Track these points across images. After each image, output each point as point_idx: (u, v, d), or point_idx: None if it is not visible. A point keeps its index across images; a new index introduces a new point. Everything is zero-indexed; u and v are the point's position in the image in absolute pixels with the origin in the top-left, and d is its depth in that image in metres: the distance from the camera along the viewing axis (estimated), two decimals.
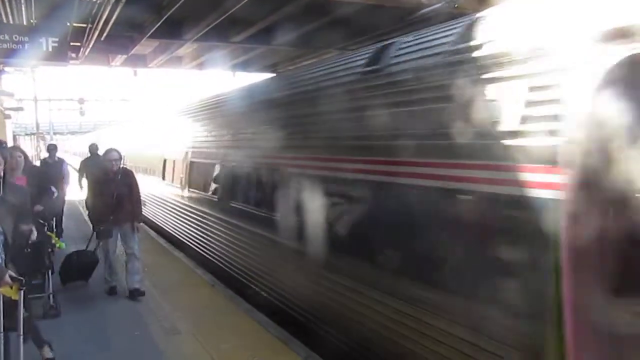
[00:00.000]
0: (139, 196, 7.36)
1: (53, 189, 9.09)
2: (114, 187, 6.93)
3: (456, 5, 9.79)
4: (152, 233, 11.72)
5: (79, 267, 7.41)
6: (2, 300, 3.53)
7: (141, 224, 7.60)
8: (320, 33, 13.42)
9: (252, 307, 6.38)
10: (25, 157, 7.34)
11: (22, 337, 3.62)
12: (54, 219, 8.55)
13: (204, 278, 7.80)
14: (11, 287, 3.51)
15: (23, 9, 8.17)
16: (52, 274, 6.35)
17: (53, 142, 13.00)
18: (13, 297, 3.55)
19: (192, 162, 9.62)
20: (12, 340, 3.69)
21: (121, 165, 7.31)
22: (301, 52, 16.06)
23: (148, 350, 5.23)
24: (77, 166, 13.50)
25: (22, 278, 3.53)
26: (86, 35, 10.39)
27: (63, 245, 6.54)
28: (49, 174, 10.00)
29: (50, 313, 6.12)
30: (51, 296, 6.23)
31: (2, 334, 3.58)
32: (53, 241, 6.14)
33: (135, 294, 6.91)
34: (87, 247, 7.65)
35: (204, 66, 18.16)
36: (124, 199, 6.96)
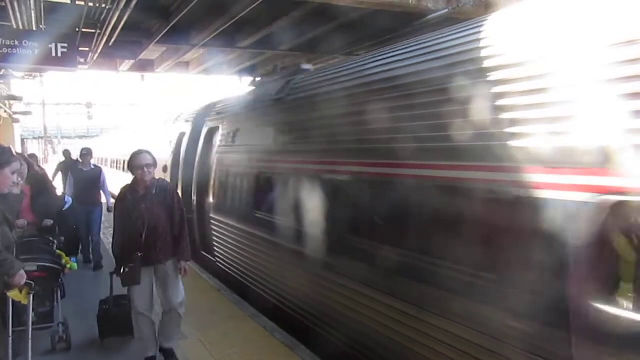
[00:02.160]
0: (184, 220, 4.96)
1: (67, 198, 8.23)
2: (144, 207, 4.73)
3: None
4: None
5: (117, 318, 5.42)
6: (11, 304, 3.57)
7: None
8: (326, 38, 13.49)
9: (258, 312, 6.41)
10: (29, 164, 7.17)
11: (30, 341, 3.66)
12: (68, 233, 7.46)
13: (210, 283, 7.83)
14: (21, 291, 3.56)
15: (33, 15, 8.25)
16: (62, 298, 5.39)
17: (87, 146, 10.32)
18: (23, 302, 3.60)
19: None
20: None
21: (155, 175, 4.96)
22: (308, 57, 16.12)
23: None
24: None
25: (31, 282, 3.57)
26: (95, 40, 10.48)
27: (75, 266, 5.57)
28: (85, 185, 8.86)
29: (60, 346, 5.21)
30: (61, 326, 5.26)
31: (11, 337, 3.62)
32: (63, 261, 5.26)
33: (167, 356, 5.03)
34: (110, 292, 5.54)
35: (210, 71, 18.27)
36: (160, 225, 4.76)
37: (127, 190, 4.91)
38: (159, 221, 4.75)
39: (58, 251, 5.45)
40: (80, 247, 9.24)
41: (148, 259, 4.70)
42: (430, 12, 10.71)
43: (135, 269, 4.63)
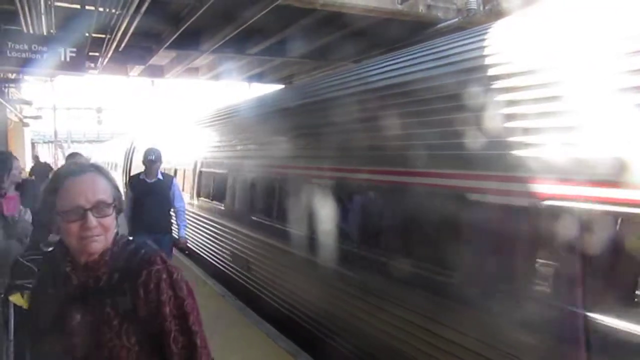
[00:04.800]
0: None
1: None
2: (75, 328, 1.69)
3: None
4: None
5: None
6: (12, 309, 3.54)
7: None
8: (335, 45, 13.51)
9: (261, 319, 6.38)
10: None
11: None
12: None
13: (215, 289, 7.80)
14: (22, 296, 3.53)
15: (43, 19, 8.31)
16: None
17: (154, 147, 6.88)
18: (24, 306, 3.56)
19: None
20: None
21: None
22: (317, 64, 16.15)
23: None
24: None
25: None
26: (104, 45, 10.55)
27: None
28: (150, 203, 6.41)
29: None
30: None
31: (12, 342, 3.59)
32: None
33: None
34: None
35: (219, 77, 18.34)
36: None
37: (46, 274, 1.93)
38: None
39: None
40: None
41: None
42: (440, 21, 10.70)
43: None
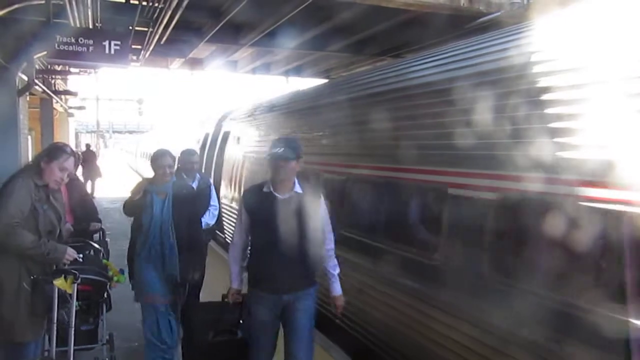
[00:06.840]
0: None
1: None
2: None
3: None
4: None
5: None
6: (57, 293, 3.67)
7: None
8: (374, 40, 13.44)
9: None
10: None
11: (73, 329, 3.75)
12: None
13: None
14: (66, 280, 3.66)
15: (90, 12, 8.52)
16: (108, 310, 4.45)
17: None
18: (67, 290, 3.69)
19: None
20: None
21: None
22: (355, 59, 16.10)
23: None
24: None
25: (75, 272, 3.66)
26: (147, 39, 10.76)
27: (123, 278, 4.31)
28: (284, 231, 3.59)
29: None
30: (105, 347, 4.42)
31: (55, 324, 3.72)
32: (111, 273, 4.21)
33: None
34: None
35: (258, 71, 18.49)
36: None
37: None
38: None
39: (105, 261, 4.49)
40: None
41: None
42: (481, 15, 10.50)
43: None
